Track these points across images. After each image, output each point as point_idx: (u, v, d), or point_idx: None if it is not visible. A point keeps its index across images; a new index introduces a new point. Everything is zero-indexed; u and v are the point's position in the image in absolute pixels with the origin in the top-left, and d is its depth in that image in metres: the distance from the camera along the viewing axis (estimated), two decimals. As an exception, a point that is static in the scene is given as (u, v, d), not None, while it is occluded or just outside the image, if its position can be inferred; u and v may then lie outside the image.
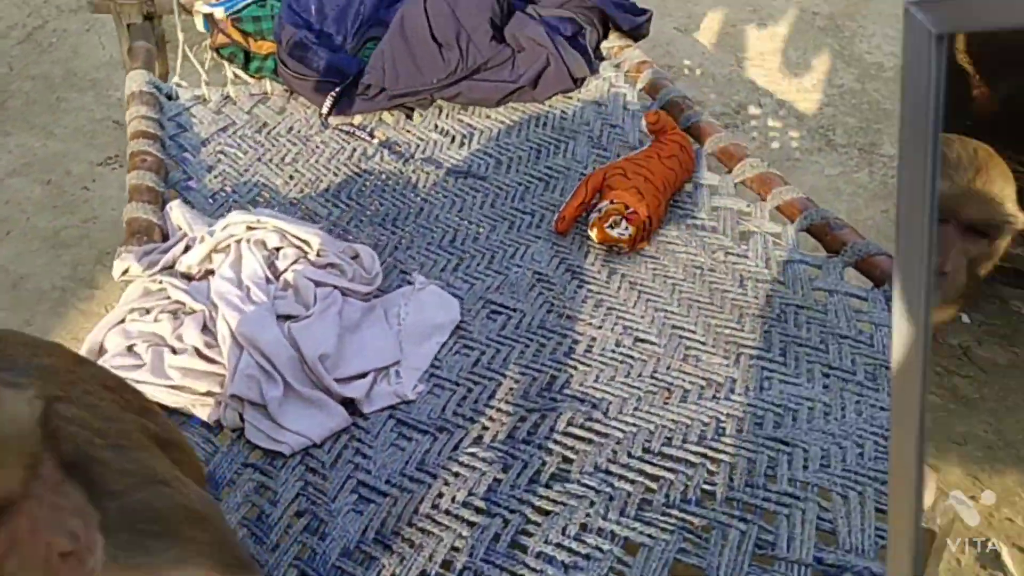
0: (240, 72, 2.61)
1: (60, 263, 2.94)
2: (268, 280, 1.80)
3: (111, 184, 3.25)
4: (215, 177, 2.27)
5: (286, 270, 1.83)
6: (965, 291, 1.29)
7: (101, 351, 1.65)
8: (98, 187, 3.25)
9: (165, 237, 1.99)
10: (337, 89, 2.48)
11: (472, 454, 1.58)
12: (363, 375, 1.70)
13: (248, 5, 2.61)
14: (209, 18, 2.64)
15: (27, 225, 3.08)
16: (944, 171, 1.23)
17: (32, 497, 0.78)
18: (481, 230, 2.20)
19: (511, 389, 1.73)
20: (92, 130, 3.51)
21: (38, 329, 2.71)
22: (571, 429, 1.62)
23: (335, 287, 1.83)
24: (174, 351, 1.63)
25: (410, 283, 1.97)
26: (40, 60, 3.84)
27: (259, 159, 2.35)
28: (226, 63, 2.63)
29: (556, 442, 1.60)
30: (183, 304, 1.72)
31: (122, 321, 1.69)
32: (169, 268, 1.85)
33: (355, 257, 1.93)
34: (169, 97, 2.49)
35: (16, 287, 2.85)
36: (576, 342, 1.85)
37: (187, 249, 1.87)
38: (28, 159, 3.35)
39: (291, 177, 2.31)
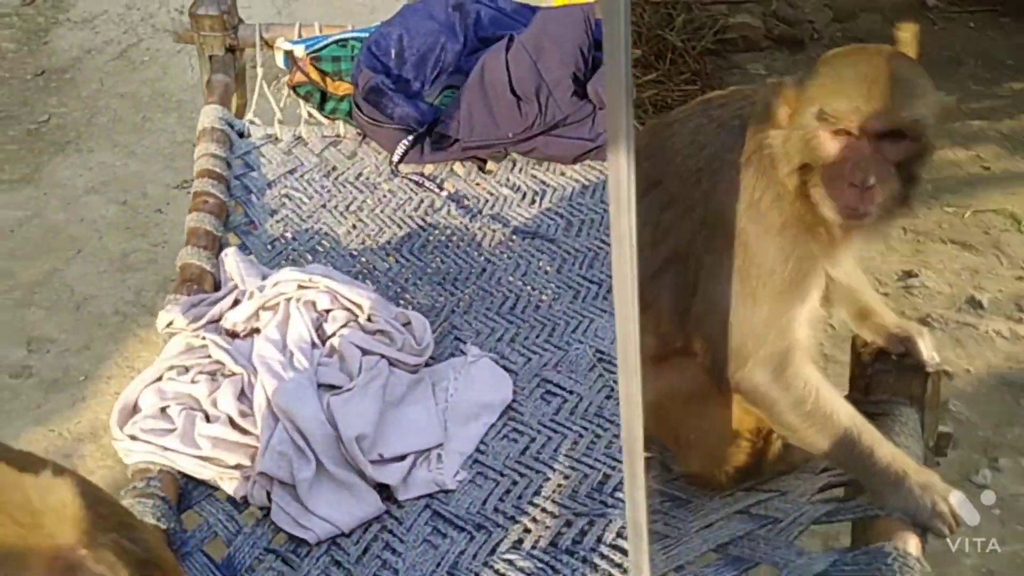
0: (315, 112, 2.56)
1: (125, 287, 2.93)
2: (314, 344, 1.72)
3: (184, 208, 3.21)
4: (277, 222, 2.22)
5: (333, 334, 1.75)
6: (909, 192, 1.31)
7: (135, 409, 1.59)
8: (171, 210, 3.25)
9: (217, 285, 1.93)
10: (410, 137, 2.40)
11: (509, 561, 1.45)
12: (402, 457, 1.60)
13: (329, 44, 2.57)
14: (289, 55, 2.60)
15: (98, 245, 3.10)
16: (836, 89, 1.27)
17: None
18: (544, 297, 2.08)
19: (559, 486, 1.60)
20: (172, 152, 3.52)
21: (96, 354, 2.70)
22: (620, 542, 1.48)
23: (382, 356, 1.74)
24: (207, 418, 1.55)
25: (463, 353, 1.86)
26: (131, 78, 3.90)
27: (323, 205, 2.28)
28: (302, 101, 2.58)
29: (603, 556, 1.46)
30: (223, 365, 1.65)
31: (159, 378, 1.62)
32: (215, 322, 1.78)
33: (407, 324, 1.83)
34: (241, 135, 2.46)
35: (79, 308, 2.85)
36: (634, 436, 1.70)
37: (236, 303, 1.81)
38: (107, 177, 3.38)
39: (354, 226, 2.24)
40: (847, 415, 1.36)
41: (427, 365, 1.84)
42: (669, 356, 1.49)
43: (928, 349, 1.55)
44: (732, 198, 1.36)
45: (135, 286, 2.94)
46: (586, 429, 1.72)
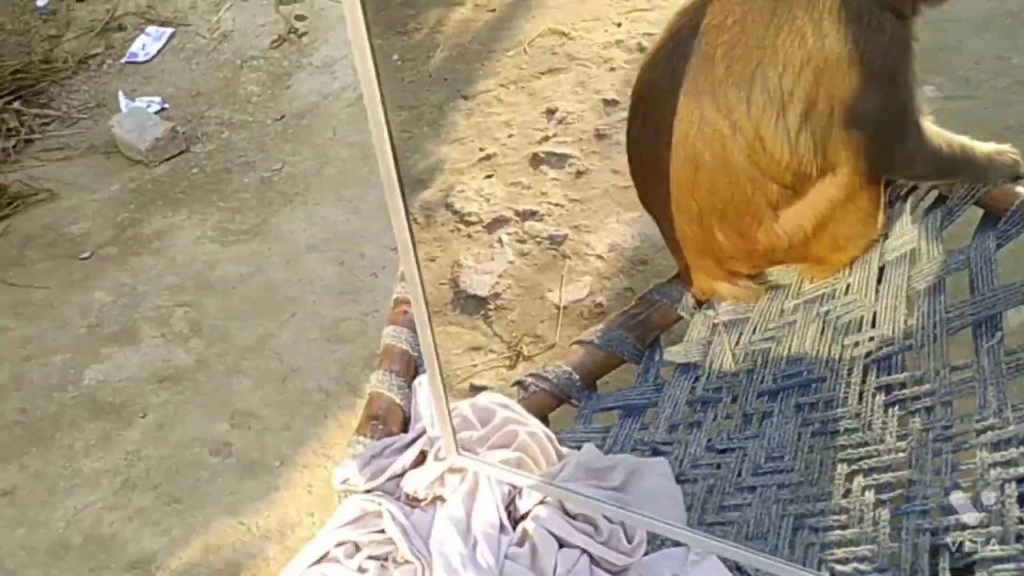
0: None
1: (331, 359, 2.82)
2: (503, 527, 1.42)
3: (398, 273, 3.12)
4: (481, 335, 1.96)
5: (527, 515, 1.44)
6: None
7: (294, 594, 1.37)
8: (386, 275, 3.12)
9: (406, 422, 1.70)
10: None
11: None
12: None
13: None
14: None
15: (311, 309, 3.02)
16: None
17: None
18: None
19: None
20: (393, 209, 3.41)
21: (295, 436, 2.60)
22: None
23: (584, 551, 1.41)
24: (369, 625, 1.30)
25: (683, 544, 1.50)
26: (362, 127, 3.84)
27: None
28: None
29: None
30: (395, 547, 1.40)
31: (324, 556, 1.40)
32: (396, 477, 1.54)
33: (618, 506, 1.49)
34: (453, 223, 2.23)
35: (285, 381, 2.77)
36: None
37: (422, 455, 1.55)
38: (328, 235, 3.32)
39: (567, 346, 1.94)
40: (953, 138, 1.69)
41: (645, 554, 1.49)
42: (816, 184, 1.69)
43: None
44: (843, 35, 1.55)
45: (342, 359, 2.82)
46: None
